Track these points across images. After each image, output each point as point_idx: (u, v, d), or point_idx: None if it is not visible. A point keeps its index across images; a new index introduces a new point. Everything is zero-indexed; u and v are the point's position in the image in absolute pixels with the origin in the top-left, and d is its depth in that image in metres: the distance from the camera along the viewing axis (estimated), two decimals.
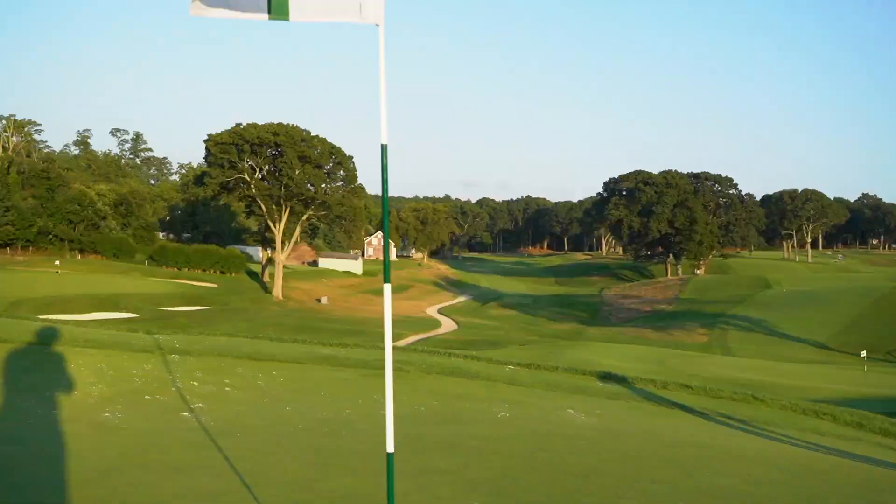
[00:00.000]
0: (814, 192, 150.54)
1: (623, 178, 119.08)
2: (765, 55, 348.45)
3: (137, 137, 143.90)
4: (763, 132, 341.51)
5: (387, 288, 3.89)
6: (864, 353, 56.36)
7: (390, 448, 3.90)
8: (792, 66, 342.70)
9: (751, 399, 13.35)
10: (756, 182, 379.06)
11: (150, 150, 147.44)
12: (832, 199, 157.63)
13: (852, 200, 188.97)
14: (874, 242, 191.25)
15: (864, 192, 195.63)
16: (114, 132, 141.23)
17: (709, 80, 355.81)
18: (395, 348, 15.13)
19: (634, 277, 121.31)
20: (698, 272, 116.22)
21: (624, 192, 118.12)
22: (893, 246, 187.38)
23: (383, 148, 3.74)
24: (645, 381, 13.25)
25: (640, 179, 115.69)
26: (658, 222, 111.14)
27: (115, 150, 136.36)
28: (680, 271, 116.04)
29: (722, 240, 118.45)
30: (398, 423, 7.44)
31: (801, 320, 75.69)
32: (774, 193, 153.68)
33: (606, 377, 13.26)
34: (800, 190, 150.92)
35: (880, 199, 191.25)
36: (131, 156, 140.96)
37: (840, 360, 60.15)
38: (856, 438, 10.92)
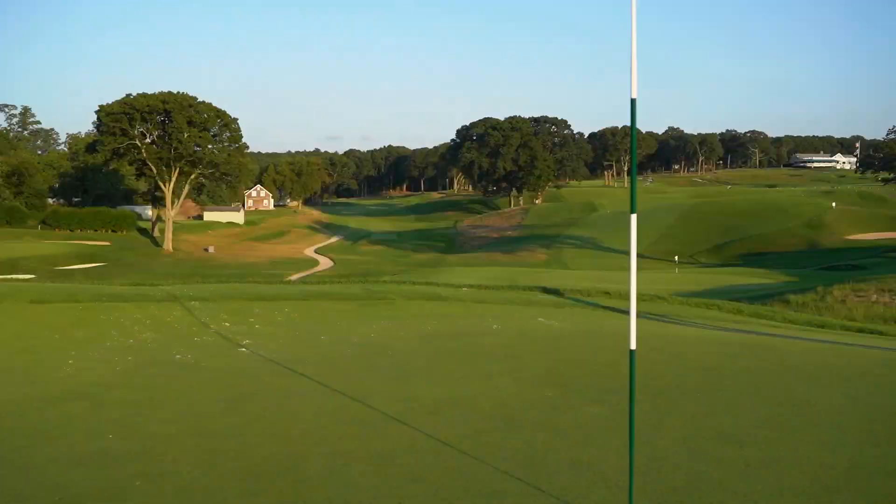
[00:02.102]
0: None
1: (474, 124, 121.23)
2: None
3: (25, 111, 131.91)
4: (587, 77, 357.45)
5: (632, 219, 3.26)
6: (675, 258, 61.40)
7: (633, 345, 3.34)
8: (604, 20, 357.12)
9: (654, 298, 14.42)
10: (585, 121, 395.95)
11: (39, 122, 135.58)
12: (645, 132, 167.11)
13: (660, 133, 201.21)
14: (676, 167, 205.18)
15: (670, 126, 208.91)
16: (1, 108, 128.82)
17: (542, 34, 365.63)
18: (373, 282, 15.21)
19: (483, 210, 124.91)
20: (537, 202, 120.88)
21: (475, 137, 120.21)
22: (691, 170, 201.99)
23: (633, 102, 3.22)
24: (573, 291, 14.10)
25: (489, 125, 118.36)
26: (504, 161, 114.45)
27: (4, 125, 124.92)
28: (521, 202, 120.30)
29: (557, 173, 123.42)
30: (427, 341, 7.67)
31: (622, 236, 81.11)
32: (599, 131, 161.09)
33: (545, 290, 14.03)
34: (619, 126, 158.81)
35: (682, 131, 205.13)
36: (20, 129, 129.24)
37: (657, 266, 64.60)
38: (743, 322, 12.06)
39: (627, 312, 11.81)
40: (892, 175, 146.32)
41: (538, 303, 12.55)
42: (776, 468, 3.13)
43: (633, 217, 2.76)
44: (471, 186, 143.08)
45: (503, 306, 12.03)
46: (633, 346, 2.86)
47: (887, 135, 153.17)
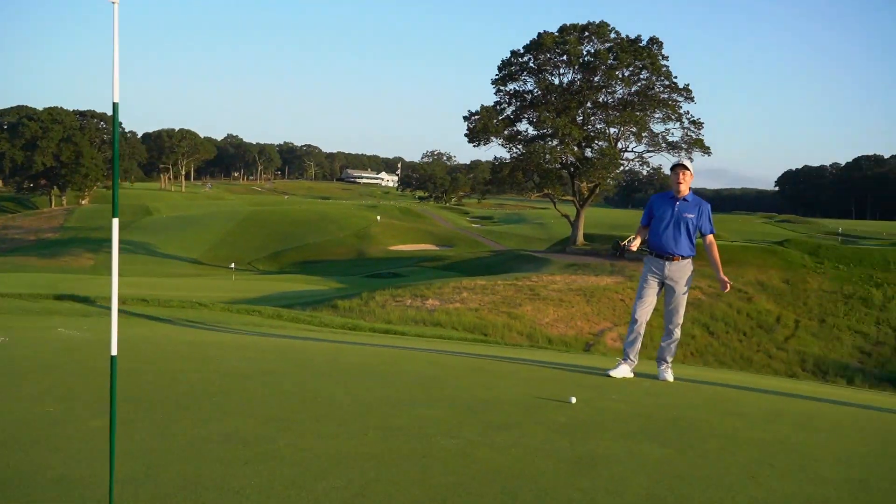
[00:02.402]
0: (188, 131, 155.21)
1: (5, 112, 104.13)
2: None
3: None
4: (137, 76, 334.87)
5: (114, 223, 3.20)
6: (232, 265, 61.90)
7: (114, 351, 3.14)
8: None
9: (196, 306, 14.18)
10: (139, 121, 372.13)
11: None
12: (203, 137, 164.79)
13: (219, 139, 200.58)
14: (235, 175, 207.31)
15: (230, 133, 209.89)
16: None
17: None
18: None
19: (17, 209, 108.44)
20: (83, 202, 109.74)
21: (6, 127, 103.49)
22: (250, 178, 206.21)
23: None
24: (105, 299, 12.99)
25: (23, 115, 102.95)
26: (43, 156, 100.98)
27: None
28: (65, 202, 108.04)
29: (106, 172, 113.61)
30: None
31: (179, 241, 78.81)
32: (154, 131, 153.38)
33: (65, 298, 12.57)
34: (176, 129, 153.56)
35: (242, 139, 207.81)
36: None
37: (214, 272, 64.20)
38: (281, 326, 12.56)
39: (165, 321, 11.32)
40: (426, 193, 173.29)
41: (63, 312, 11.18)
42: (273, 462, 3.20)
43: (116, 221, 2.61)
44: (1, 182, 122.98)
45: (16, 316, 10.40)
46: (114, 352, 2.72)
47: (422, 158, 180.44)
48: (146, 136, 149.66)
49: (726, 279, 6.05)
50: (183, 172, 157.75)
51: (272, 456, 3.17)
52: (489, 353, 9.06)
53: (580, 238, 58.00)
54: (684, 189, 6.16)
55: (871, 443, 4.14)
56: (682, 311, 6.24)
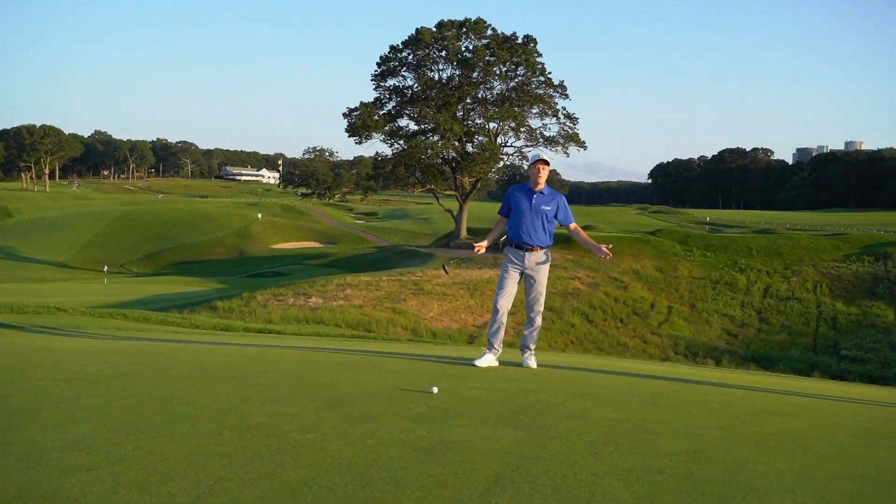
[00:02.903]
0: (51, 127, 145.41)
1: None
2: None
3: None
4: None
5: None
6: (105, 268, 58.86)
7: None
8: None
9: (54, 311, 13.48)
10: None
11: None
12: (68, 134, 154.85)
13: (87, 136, 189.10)
14: (105, 173, 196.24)
15: (97, 129, 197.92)
16: None
17: None
18: None
19: None
20: None
21: None
22: (122, 176, 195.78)
23: None
24: None
25: None
26: None
27: None
28: None
29: None
30: None
31: (44, 244, 74.07)
32: (13, 128, 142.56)
33: None
34: (38, 125, 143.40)
35: (111, 136, 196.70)
36: None
37: (83, 276, 60.94)
38: (148, 329, 12.10)
39: (17, 328, 10.62)
40: (309, 190, 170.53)
41: None
42: (118, 467, 3.12)
43: None
44: None
45: None
46: None
47: (304, 154, 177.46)
48: (3, 132, 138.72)
49: (602, 246, 6.35)
50: (46, 171, 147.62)
51: (118, 461, 3.09)
52: (365, 348, 9.11)
53: (463, 232, 59.00)
54: (542, 184, 6.44)
55: (712, 417, 4.51)
56: (542, 299, 6.52)
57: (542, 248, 6.43)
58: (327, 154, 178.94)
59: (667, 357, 30.80)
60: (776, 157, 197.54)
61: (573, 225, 6.53)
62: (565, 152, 57.83)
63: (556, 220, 6.47)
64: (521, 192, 6.52)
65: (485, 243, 6.56)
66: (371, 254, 58.64)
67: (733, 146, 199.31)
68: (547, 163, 6.37)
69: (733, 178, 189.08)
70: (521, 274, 6.52)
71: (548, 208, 6.39)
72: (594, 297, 37.87)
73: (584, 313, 35.59)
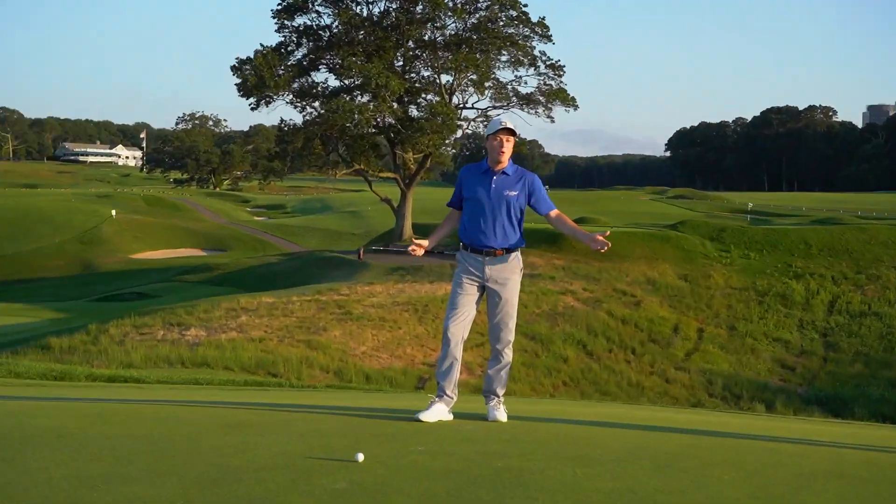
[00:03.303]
0: None
1: None
2: None
3: None
4: None
5: None
6: None
7: None
8: None
9: None
10: None
11: None
12: None
13: None
14: None
15: None
16: None
17: None
18: None
19: None
20: None
21: None
22: None
23: None
24: None
25: None
26: None
27: None
28: None
29: None
30: None
31: None
32: None
33: None
34: None
35: None
36: None
37: None
38: None
39: None
40: (186, 175, 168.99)
41: None
42: None
43: None
44: None
45: None
46: None
47: (177, 124, 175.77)
48: None
49: (597, 235, 6.33)
50: None
51: None
52: (266, 400, 9.01)
53: (408, 230, 59.12)
54: (505, 160, 6.44)
55: (749, 484, 4.54)
56: (511, 323, 6.52)
57: (508, 250, 6.44)
58: (211, 123, 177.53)
59: (698, 401, 31.23)
60: (840, 118, 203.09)
61: (554, 212, 6.54)
62: (548, 115, 58.44)
63: (523, 211, 6.48)
64: (476, 174, 6.50)
65: (426, 242, 6.55)
66: (276, 264, 58.24)
67: (781, 104, 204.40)
68: (512, 132, 6.38)
69: (782, 148, 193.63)
70: (482, 288, 6.51)
71: (513, 193, 6.40)
72: (594, 319, 38.29)
73: (580, 342, 35.93)
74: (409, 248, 6.55)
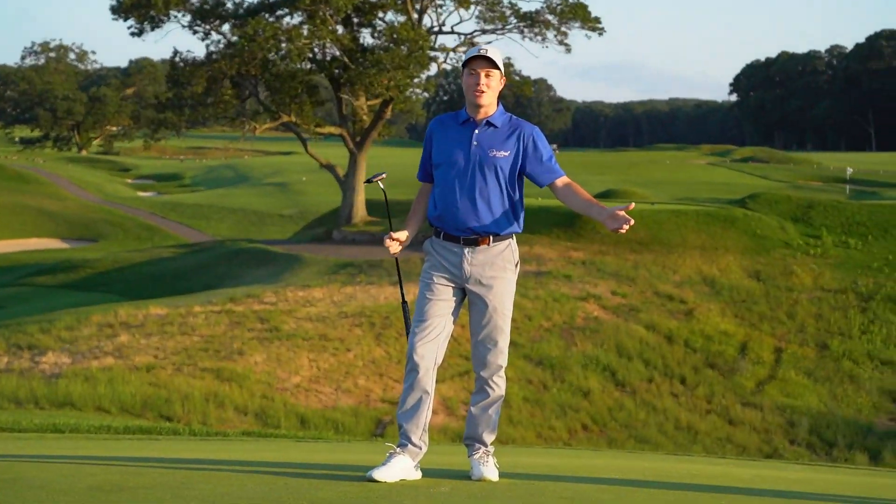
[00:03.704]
0: None
1: None
2: None
3: None
4: None
5: None
6: None
7: None
8: None
9: None
10: None
11: None
12: None
13: None
14: None
15: None
16: None
17: None
18: None
19: None
20: None
21: None
22: None
23: None
24: None
25: None
26: None
27: None
28: None
29: None
30: None
31: None
32: None
33: None
34: None
35: None
36: None
37: None
38: None
39: None
40: (36, 132, 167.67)
41: None
42: None
43: None
44: None
45: None
46: None
47: (22, 59, 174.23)
48: None
49: (616, 210, 6.22)
50: None
51: None
52: (154, 454, 9.01)
53: (360, 210, 59.16)
54: (487, 102, 6.47)
55: None
56: (503, 341, 6.54)
57: (497, 236, 6.48)
58: (73, 57, 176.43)
59: (774, 450, 31.39)
60: None
61: (561, 180, 6.57)
62: (562, 42, 58.38)
63: (518, 179, 6.52)
64: (450, 128, 6.54)
65: (403, 235, 6.62)
66: (171, 260, 58.04)
67: (892, 26, 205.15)
68: (493, 63, 6.41)
69: None
70: (462, 292, 6.56)
71: (503, 154, 6.43)
72: (627, 336, 38.38)
73: (607, 368, 36.02)
74: (385, 243, 6.63)
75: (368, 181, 7.13)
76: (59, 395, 26.93)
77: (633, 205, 6.40)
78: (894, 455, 30.53)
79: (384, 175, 6.89)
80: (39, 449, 9.80)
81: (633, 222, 6.19)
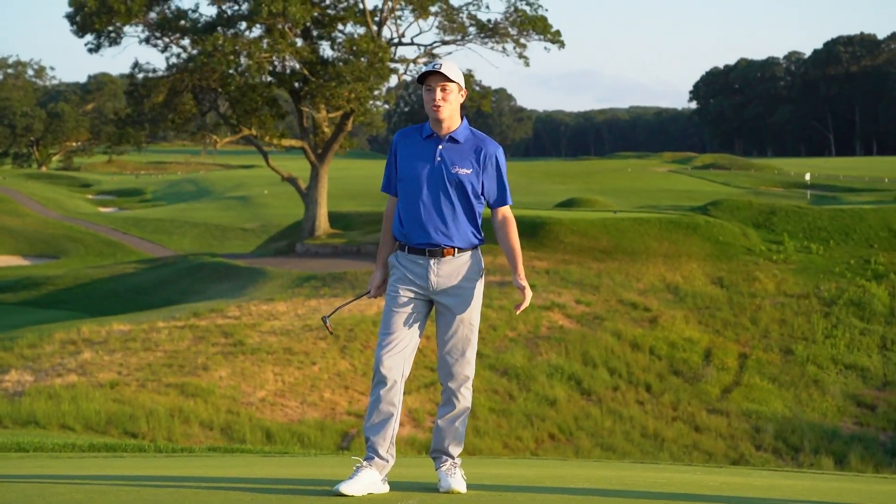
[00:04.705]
0: None
1: None
2: None
3: None
4: None
5: None
6: None
7: None
8: None
9: None
10: None
11: None
12: None
13: None
14: None
15: None
16: None
17: None
18: None
19: None
20: None
21: None
22: None
23: None
24: None
25: None
26: None
27: None
28: None
29: None
30: None
31: None
32: None
33: None
34: None
35: None
36: None
37: None
38: None
39: None
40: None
41: None
42: None
43: None
44: None
45: None
46: None
47: None
48: None
49: (524, 283, 6.44)
50: None
51: None
52: (119, 472, 8.96)
53: (322, 223, 59.11)
54: (447, 116, 6.48)
55: None
56: (470, 352, 6.55)
57: (461, 249, 6.49)
58: (31, 73, 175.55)
59: (740, 456, 31.50)
60: None
61: (504, 211, 6.63)
62: (521, 54, 58.52)
63: (481, 194, 6.54)
64: (414, 142, 6.55)
65: (378, 275, 6.76)
66: (133, 276, 57.81)
67: (852, 31, 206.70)
68: (446, 77, 6.42)
69: (856, 95, 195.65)
70: (428, 304, 6.56)
71: (465, 171, 6.45)
72: (593, 344, 38.46)
73: (572, 377, 36.08)
74: (369, 294, 6.90)
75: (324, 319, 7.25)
76: (23, 413, 26.83)
77: (526, 298, 6.47)
78: (860, 459, 30.68)
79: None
80: (3, 469, 9.73)
81: (524, 306, 6.48)
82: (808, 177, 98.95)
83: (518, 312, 6.62)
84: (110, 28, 56.01)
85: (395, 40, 59.00)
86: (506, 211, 6.64)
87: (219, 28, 55.97)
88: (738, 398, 36.35)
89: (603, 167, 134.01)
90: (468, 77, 64.67)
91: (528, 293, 6.44)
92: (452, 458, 6.71)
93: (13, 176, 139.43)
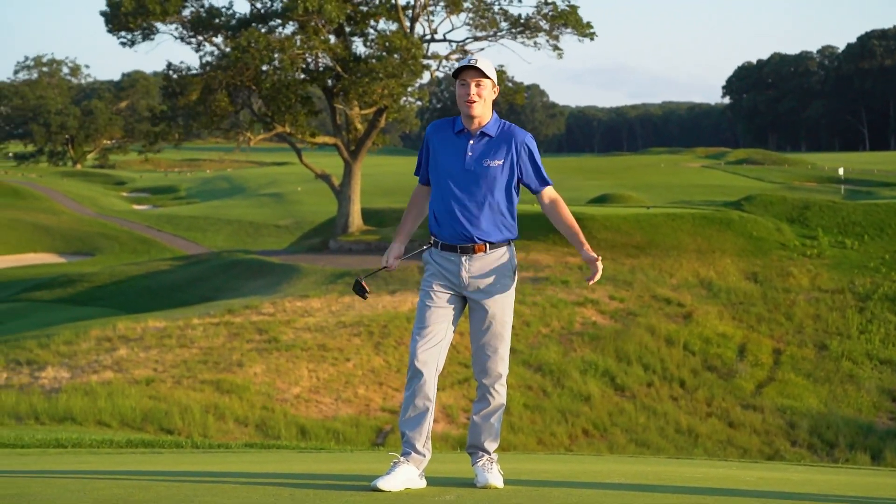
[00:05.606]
0: None
1: None
2: None
3: None
4: None
5: None
6: None
7: None
8: None
9: None
10: None
11: None
12: None
13: None
14: None
15: None
16: None
17: None
18: None
19: None
20: None
21: None
22: None
23: None
24: None
25: None
26: None
27: None
28: None
29: None
30: None
31: None
32: None
33: None
34: None
35: None
36: None
37: None
38: None
39: None
40: (31, 147, 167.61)
41: None
42: None
43: None
44: None
45: None
46: None
47: (15, 74, 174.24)
48: None
49: (594, 255, 6.42)
50: None
51: None
52: (155, 467, 9.00)
53: (356, 219, 59.08)
54: (479, 113, 6.49)
55: None
56: (504, 349, 6.56)
57: (493, 244, 6.51)
58: (66, 71, 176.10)
59: (775, 451, 31.36)
60: None
61: (548, 193, 6.64)
62: (554, 47, 58.36)
63: (514, 188, 6.56)
64: (446, 135, 6.57)
65: (397, 246, 6.76)
66: (168, 273, 57.94)
67: (886, 26, 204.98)
68: (482, 73, 6.44)
69: (890, 89, 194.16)
70: (461, 300, 6.58)
71: (496, 163, 6.47)
72: (627, 340, 38.35)
73: (606, 373, 36.00)
74: (384, 263, 6.85)
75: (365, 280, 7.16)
76: (60, 409, 26.93)
77: (599, 258, 6.50)
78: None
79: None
80: (43, 464, 9.80)
81: (597, 276, 6.51)
82: (841, 171, 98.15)
83: (591, 284, 6.68)
84: (144, 25, 56.16)
85: (428, 37, 58.96)
86: (550, 192, 6.67)
87: (253, 24, 56.09)
88: (773, 394, 36.20)
89: (636, 163, 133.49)
90: (501, 73, 64.53)
91: (600, 265, 6.47)
92: (489, 453, 6.73)
93: (49, 174, 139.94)
